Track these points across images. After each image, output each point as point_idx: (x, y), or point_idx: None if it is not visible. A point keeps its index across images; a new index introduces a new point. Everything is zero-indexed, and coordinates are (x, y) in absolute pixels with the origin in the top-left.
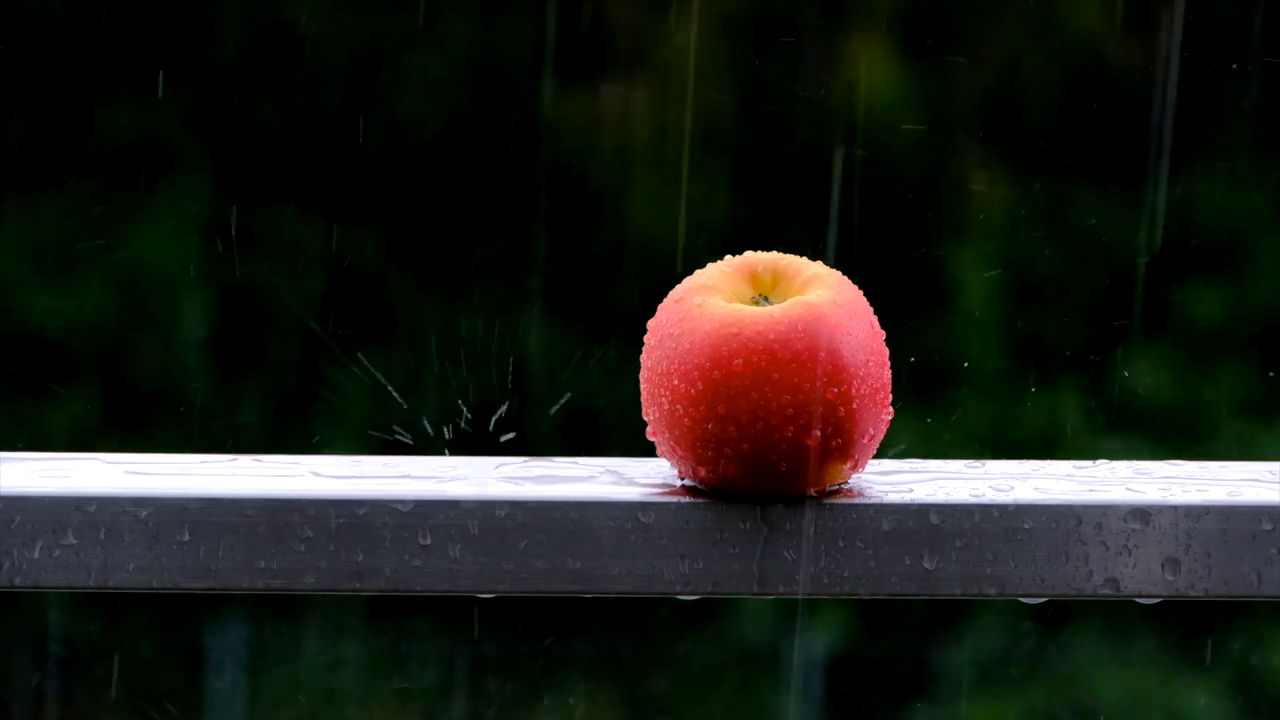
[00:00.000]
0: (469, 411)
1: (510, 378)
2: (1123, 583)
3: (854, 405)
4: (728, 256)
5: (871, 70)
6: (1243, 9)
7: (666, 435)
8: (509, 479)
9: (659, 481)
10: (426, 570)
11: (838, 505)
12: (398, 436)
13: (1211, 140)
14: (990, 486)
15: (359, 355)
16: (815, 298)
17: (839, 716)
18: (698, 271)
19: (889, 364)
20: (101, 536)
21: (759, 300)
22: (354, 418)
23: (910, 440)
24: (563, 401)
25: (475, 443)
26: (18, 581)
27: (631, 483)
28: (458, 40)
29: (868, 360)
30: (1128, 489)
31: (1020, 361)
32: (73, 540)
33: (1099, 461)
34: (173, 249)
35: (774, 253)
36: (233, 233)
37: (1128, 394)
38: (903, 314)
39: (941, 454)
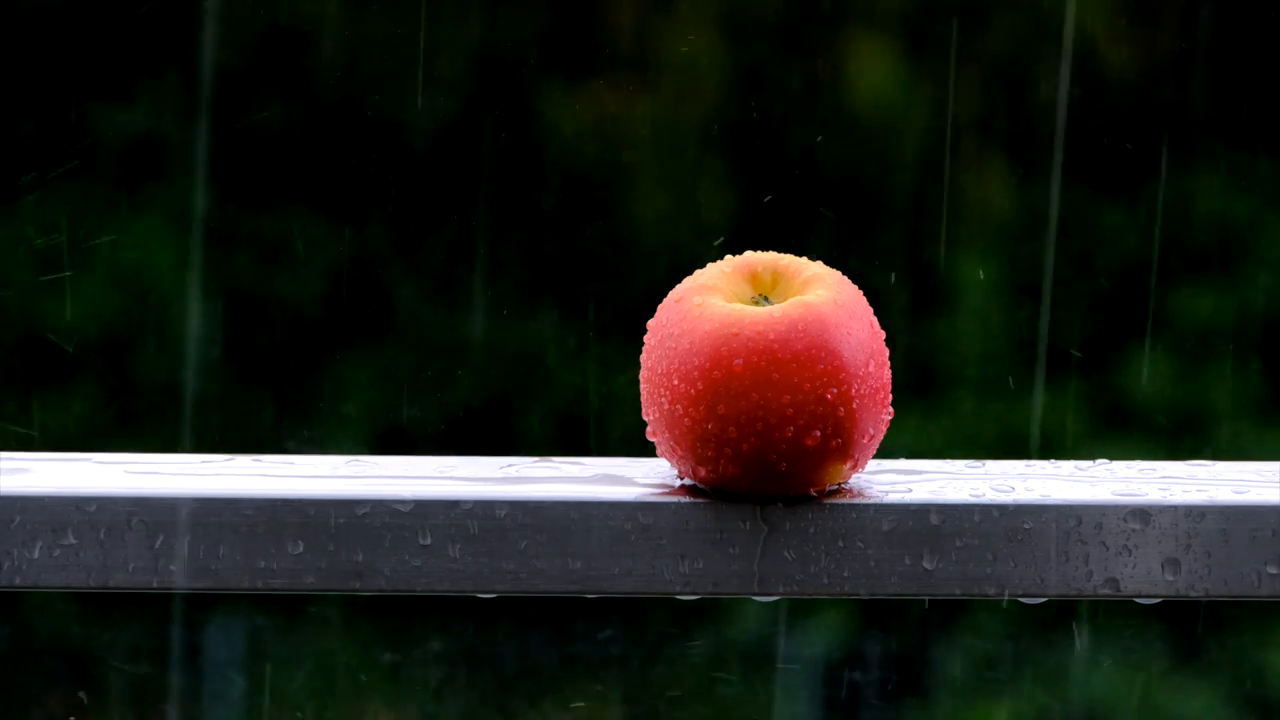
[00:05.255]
0: (469, 411)
1: (510, 377)
2: (1123, 583)
3: (854, 405)
4: (728, 256)
5: (872, 69)
6: (1242, 8)
7: (666, 435)
8: (509, 479)
9: (659, 481)
10: (426, 570)
11: (838, 505)
12: (398, 436)
13: (1212, 139)
14: (990, 486)
15: (359, 354)
16: (815, 298)
17: (837, 717)
18: (698, 271)
19: (889, 364)
20: (101, 536)
21: (759, 300)
22: (354, 417)
23: (910, 440)
24: (563, 401)
25: (475, 443)
26: (18, 581)
27: (631, 483)
28: (459, 38)
29: (868, 360)
30: (1128, 489)
31: (1020, 361)
32: (73, 540)
33: (1099, 461)
34: (172, 249)
35: (774, 253)
36: (232, 232)
37: (1128, 394)
38: (903, 314)
39: (941, 454)
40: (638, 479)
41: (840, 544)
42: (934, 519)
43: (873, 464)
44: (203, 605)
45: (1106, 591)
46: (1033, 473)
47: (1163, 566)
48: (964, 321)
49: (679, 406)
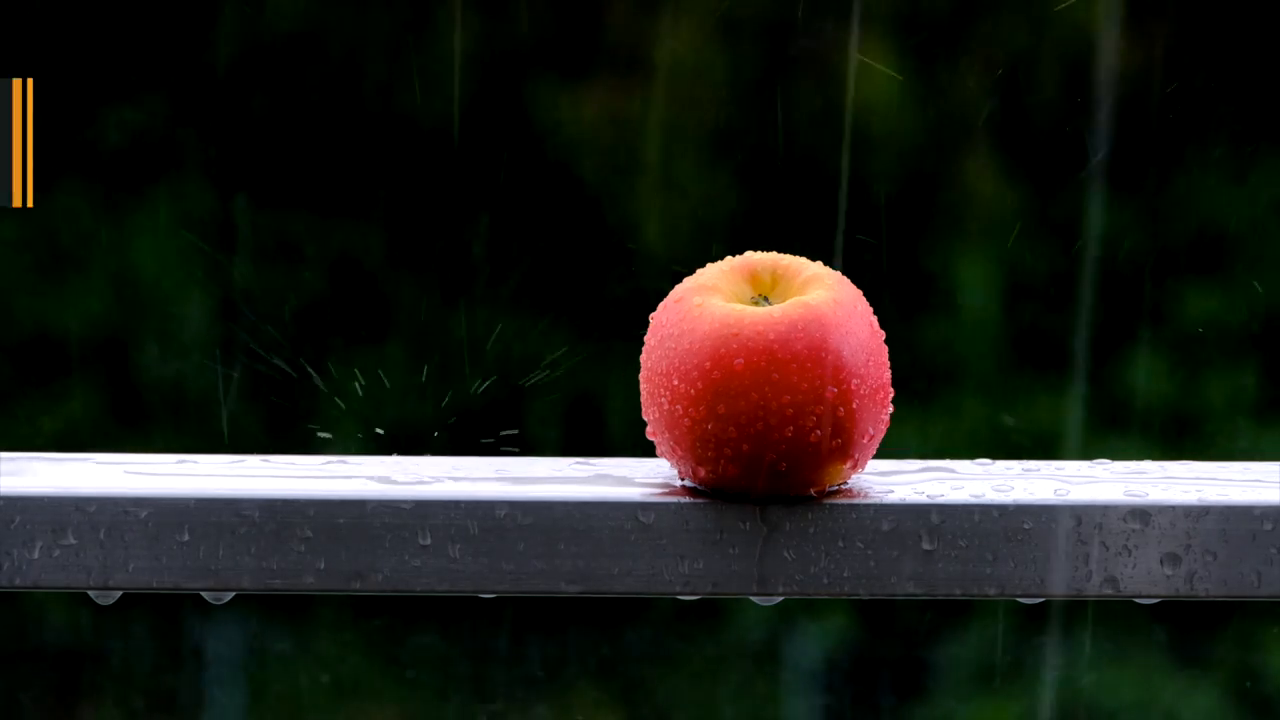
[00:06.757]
0: (470, 411)
1: (510, 377)
2: (1123, 583)
3: (854, 405)
4: (728, 256)
5: (871, 69)
6: (1242, 6)
7: (666, 435)
8: (509, 479)
9: (659, 481)
10: (426, 570)
11: (838, 505)
12: (397, 436)
13: (1212, 137)
14: (990, 486)
15: (359, 355)
16: (815, 298)
17: (838, 717)
18: (698, 271)
19: (889, 364)
20: (101, 536)
21: (759, 300)
22: (353, 417)
23: (910, 440)
24: (562, 401)
25: (475, 443)
26: (18, 581)
27: (631, 483)
28: (458, 38)
29: (867, 360)
30: (1128, 489)
31: (1020, 362)
32: (73, 540)
33: (1099, 461)
34: (172, 248)
35: (774, 253)
36: (232, 232)
37: (1128, 394)
38: (902, 314)
39: (941, 454)
40: (638, 479)
41: (840, 544)
42: (934, 519)
43: (873, 464)
44: (203, 605)
45: (1107, 591)
46: (1033, 473)
47: (1163, 566)
48: (963, 321)
49: (679, 406)
